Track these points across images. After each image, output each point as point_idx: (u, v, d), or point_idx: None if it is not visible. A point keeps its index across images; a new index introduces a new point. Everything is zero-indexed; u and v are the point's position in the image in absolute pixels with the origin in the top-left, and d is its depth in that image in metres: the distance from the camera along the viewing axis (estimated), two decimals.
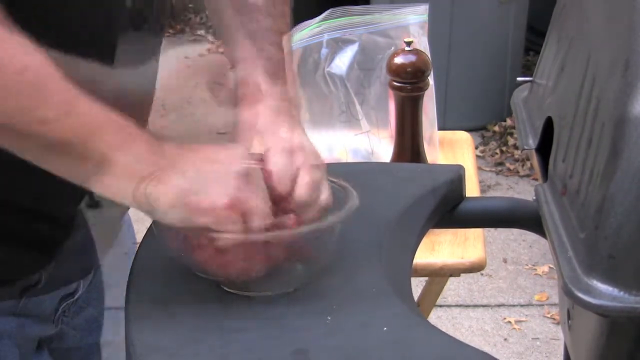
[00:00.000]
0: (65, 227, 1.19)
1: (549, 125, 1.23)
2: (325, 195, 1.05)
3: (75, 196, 1.20)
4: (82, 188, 1.02)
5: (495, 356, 0.93)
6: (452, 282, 3.08)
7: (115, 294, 1.25)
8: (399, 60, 1.73)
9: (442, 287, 2.11)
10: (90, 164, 0.97)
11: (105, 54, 1.10)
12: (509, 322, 2.99)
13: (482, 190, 3.62)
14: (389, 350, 0.94)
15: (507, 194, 3.69)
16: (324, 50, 1.88)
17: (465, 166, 1.35)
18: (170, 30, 5.51)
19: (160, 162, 0.99)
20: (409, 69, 1.72)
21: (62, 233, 1.18)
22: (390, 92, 1.78)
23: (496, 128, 4.13)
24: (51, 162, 0.99)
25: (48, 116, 0.95)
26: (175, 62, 4.85)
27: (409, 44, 1.75)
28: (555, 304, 3.05)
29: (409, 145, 1.74)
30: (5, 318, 1.16)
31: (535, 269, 3.25)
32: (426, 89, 1.74)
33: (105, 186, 0.99)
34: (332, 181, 1.12)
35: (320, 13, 1.89)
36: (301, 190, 1.03)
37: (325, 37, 1.88)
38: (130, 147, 0.98)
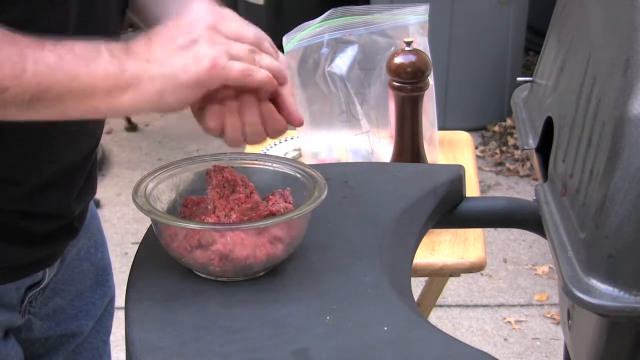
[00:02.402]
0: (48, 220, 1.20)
1: (549, 125, 1.23)
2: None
3: (67, 190, 1.20)
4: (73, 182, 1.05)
5: (495, 356, 0.93)
6: (452, 282, 3.08)
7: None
8: (399, 60, 1.73)
9: (442, 287, 2.11)
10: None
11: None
12: (509, 322, 2.99)
13: (482, 190, 3.62)
14: (389, 350, 0.94)
15: (507, 194, 3.69)
16: (324, 50, 1.88)
17: (465, 166, 1.35)
18: None
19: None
20: (409, 69, 1.72)
21: (42, 226, 1.19)
22: (390, 92, 1.78)
23: (496, 128, 4.14)
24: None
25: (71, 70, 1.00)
26: None
27: (409, 44, 1.75)
28: (555, 304, 3.05)
29: (409, 145, 1.74)
30: None
31: (535, 269, 3.25)
32: (426, 89, 1.74)
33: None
34: (302, 171, 1.12)
35: (321, 13, 1.89)
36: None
37: (326, 37, 1.88)
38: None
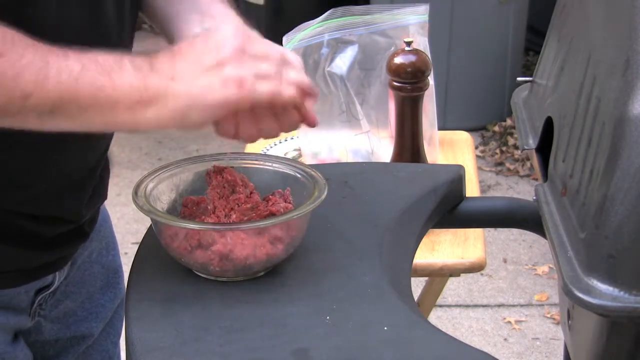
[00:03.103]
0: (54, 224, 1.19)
1: (549, 125, 1.23)
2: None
3: (78, 194, 1.20)
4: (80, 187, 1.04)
5: (495, 356, 0.93)
6: (452, 282, 3.08)
7: None
8: (399, 60, 1.73)
9: (442, 287, 2.11)
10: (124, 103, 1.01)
11: None
12: (509, 322, 2.99)
13: (482, 190, 3.62)
14: (389, 350, 0.94)
15: (507, 194, 3.69)
16: (325, 50, 1.88)
17: (465, 166, 1.35)
18: None
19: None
20: (409, 69, 1.72)
21: (49, 230, 1.19)
22: (390, 92, 1.78)
23: (496, 128, 4.14)
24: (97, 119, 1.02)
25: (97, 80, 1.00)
26: None
27: (409, 44, 1.75)
28: (555, 304, 3.05)
29: (409, 145, 1.74)
30: None
31: (535, 269, 3.25)
32: (426, 89, 1.74)
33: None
34: (302, 171, 1.12)
35: (321, 13, 1.89)
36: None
37: (326, 37, 1.88)
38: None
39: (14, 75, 0.97)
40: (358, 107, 1.89)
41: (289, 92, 1.05)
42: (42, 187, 1.16)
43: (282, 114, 1.08)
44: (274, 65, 1.04)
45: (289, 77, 1.05)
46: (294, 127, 1.10)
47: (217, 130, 1.08)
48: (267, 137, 1.10)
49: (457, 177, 1.29)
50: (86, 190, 1.22)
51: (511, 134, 4.06)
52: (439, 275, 1.87)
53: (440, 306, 3.05)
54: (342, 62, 1.89)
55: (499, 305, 3.09)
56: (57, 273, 1.25)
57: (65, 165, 1.17)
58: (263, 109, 1.07)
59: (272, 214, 1.07)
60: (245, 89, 1.02)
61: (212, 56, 1.02)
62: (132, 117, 1.01)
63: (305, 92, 1.07)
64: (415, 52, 1.74)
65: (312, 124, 1.10)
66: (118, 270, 1.41)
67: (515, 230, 3.33)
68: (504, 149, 4.01)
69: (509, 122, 4.12)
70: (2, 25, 0.98)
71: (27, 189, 1.15)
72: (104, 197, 1.30)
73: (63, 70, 0.98)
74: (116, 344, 1.42)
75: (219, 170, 1.11)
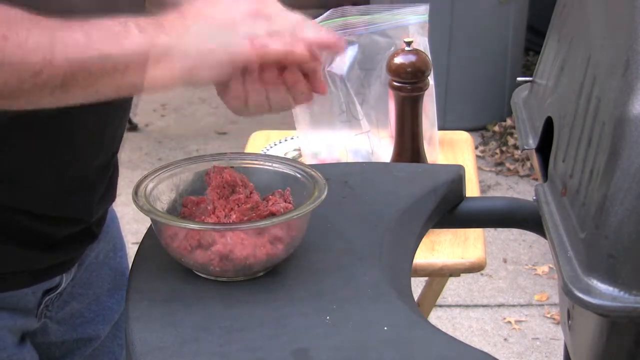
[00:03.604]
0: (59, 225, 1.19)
1: (549, 125, 1.23)
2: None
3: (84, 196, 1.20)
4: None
5: (495, 356, 0.93)
6: (452, 282, 3.08)
7: None
8: (399, 60, 1.73)
9: (442, 287, 2.11)
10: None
11: None
12: (509, 322, 2.99)
13: (482, 190, 3.62)
14: (389, 349, 0.94)
15: (507, 194, 3.69)
16: None
17: (465, 166, 1.35)
18: None
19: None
20: (409, 69, 1.72)
21: (56, 231, 1.19)
22: (390, 92, 1.78)
23: (496, 128, 4.14)
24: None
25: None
26: None
27: (409, 44, 1.75)
28: (555, 304, 3.05)
29: (409, 145, 1.74)
30: None
31: (535, 269, 3.25)
32: (426, 89, 1.74)
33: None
34: (302, 171, 1.12)
35: (321, 13, 1.89)
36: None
37: None
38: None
39: (22, 56, 0.96)
40: (358, 107, 1.89)
41: (300, 49, 1.03)
42: (52, 187, 1.16)
43: (292, 81, 1.06)
44: (287, 24, 1.03)
45: (303, 35, 1.04)
46: (304, 96, 1.08)
47: (226, 98, 1.07)
48: (276, 108, 1.07)
49: (457, 177, 1.29)
50: (97, 191, 1.22)
51: (511, 134, 4.07)
52: (439, 275, 1.87)
53: (440, 306, 3.05)
54: (342, 62, 1.89)
55: (499, 305, 3.09)
56: (64, 274, 1.25)
57: (76, 165, 1.17)
58: (272, 76, 1.05)
59: (272, 214, 1.07)
60: (256, 45, 1.01)
61: (224, 14, 1.02)
62: (142, 78, 1.01)
63: (317, 57, 1.05)
64: (415, 52, 1.75)
65: (322, 91, 1.08)
66: (125, 272, 1.39)
67: (515, 230, 3.33)
68: (504, 149, 4.02)
69: (509, 122, 4.12)
70: (5, 5, 0.97)
71: (38, 188, 1.14)
72: (113, 197, 1.30)
73: (69, 44, 0.98)
74: (123, 347, 1.41)
75: (219, 172, 1.11)
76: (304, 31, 1.04)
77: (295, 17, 1.05)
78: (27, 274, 1.18)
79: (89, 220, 1.23)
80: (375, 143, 1.90)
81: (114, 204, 1.34)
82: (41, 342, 1.28)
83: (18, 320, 1.20)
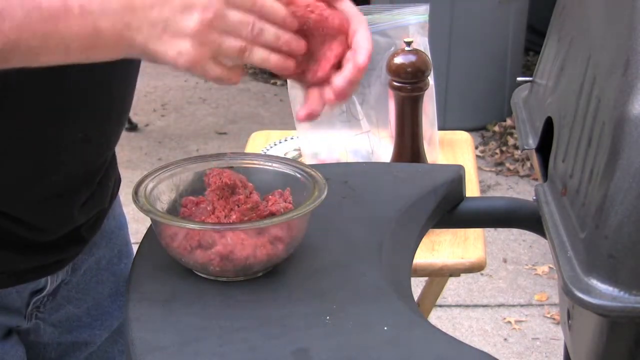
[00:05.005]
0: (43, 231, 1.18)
1: (549, 125, 1.23)
2: None
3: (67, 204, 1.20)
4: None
5: (495, 356, 0.93)
6: (452, 282, 3.09)
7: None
8: (399, 60, 1.73)
9: (442, 287, 2.12)
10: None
11: None
12: (509, 322, 2.99)
13: (482, 190, 3.62)
14: (389, 350, 0.94)
15: (507, 194, 3.69)
16: None
17: (465, 166, 1.35)
18: None
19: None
20: (409, 69, 1.72)
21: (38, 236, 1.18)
22: (390, 92, 1.78)
23: (496, 128, 4.14)
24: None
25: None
26: None
27: (409, 44, 1.75)
28: (555, 304, 3.05)
29: (409, 145, 1.74)
30: None
31: (535, 269, 3.26)
32: (426, 89, 1.74)
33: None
34: (302, 171, 1.12)
35: None
36: None
37: None
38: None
39: None
40: (358, 107, 1.90)
41: (258, 55, 0.99)
42: (36, 192, 1.15)
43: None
44: (246, 29, 0.97)
45: (263, 39, 0.99)
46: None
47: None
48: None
49: (457, 177, 1.29)
50: (81, 196, 1.21)
51: (511, 134, 4.07)
52: (439, 275, 1.87)
53: (440, 306, 3.05)
54: None
55: (499, 305, 3.09)
56: (49, 277, 1.23)
57: (63, 169, 1.16)
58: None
59: (272, 214, 1.07)
60: (196, 69, 0.97)
61: (176, 20, 0.95)
62: (87, 58, 0.97)
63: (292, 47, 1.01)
64: (415, 52, 1.75)
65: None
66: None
67: (515, 230, 3.33)
68: (504, 149, 4.02)
69: (509, 122, 4.12)
70: None
71: (22, 193, 1.13)
72: (104, 204, 1.28)
73: (6, 18, 0.92)
74: (123, 352, 1.40)
75: (218, 173, 1.11)
76: (265, 34, 0.99)
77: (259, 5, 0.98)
78: (7, 275, 1.17)
79: (70, 225, 1.21)
80: (375, 143, 1.90)
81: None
82: (35, 342, 1.28)
83: (1, 317, 1.19)
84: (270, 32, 0.99)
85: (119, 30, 0.95)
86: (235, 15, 0.97)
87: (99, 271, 1.33)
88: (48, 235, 1.19)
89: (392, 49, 1.87)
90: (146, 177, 1.12)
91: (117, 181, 1.32)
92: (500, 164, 3.93)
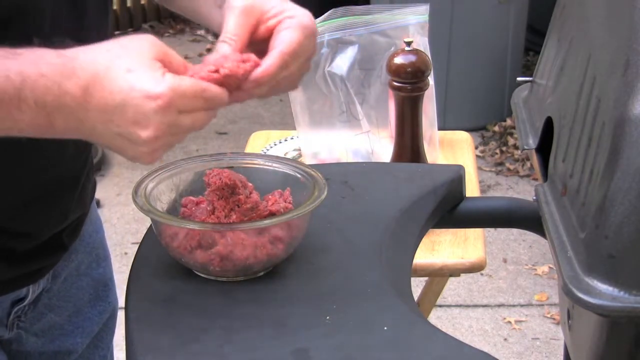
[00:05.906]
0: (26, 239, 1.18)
1: (549, 125, 1.23)
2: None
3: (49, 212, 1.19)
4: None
5: (495, 356, 0.93)
6: (452, 282, 3.08)
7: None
8: (399, 60, 1.73)
9: (442, 287, 2.11)
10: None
11: None
12: (509, 322, 2.99)
13: (482, 190, 3.62)
14: (389, 350, 0.94)
15: (507, 194, 3.69)
16: (325, 50, 1.88)
17: (465, 166, 1.35)
18: (170, 30, 5.51)
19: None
20: (409, 69, 1.72)
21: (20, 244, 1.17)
22: (390, 92, 1.78)
23: (496, 128, 4.14)
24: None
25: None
26: None
27: (409, 44, 1.75)
28: (555, 304, 3.05)
29: (409, 145, 1.74)
30: None
31: (535, 269, 3.25)
32: (426, 89, 1.74)
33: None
34: (302, 171, 1.12)
35: (321, 14, 1.89)
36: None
37: (326, 37, 1.88)
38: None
39: None
40: (358, 107, 1.90)
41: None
42: (12, 200, 1.14)
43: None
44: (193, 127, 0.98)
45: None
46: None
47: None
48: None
49: (457, 177, 1.29)
50: (60, 203, 1.20)
51: (511, 134, 4.07)
52: (439, 275, 1.87)
53: (440, 306, 3.05)
54: (342, 62, 1.89)
55: (499, 305, 3.09)
56: (30, 286, 1.22)
57: (38, 177, 1.15)
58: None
59: (272, 214, 1.07)
60: (152, 161, 0.99)
61: (129, 131, 0.94)
62: (43, 136, 0.97)
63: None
64: (415, 52, 1.75)
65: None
66: (108, 283, 1.37)
67: (515, 230, 3.33)
68: (504, 149, 4.02)
69: (509, 122, 4.12)
70: None
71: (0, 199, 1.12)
72: (85, 208, 1.27)
73: None
74: (105, 357, 1.40)
75: (217, 174, 1.11)
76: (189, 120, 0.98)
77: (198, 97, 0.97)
78: None
79: (49, 233, 1.20)
80: (375, 143, 1.90)
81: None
82: (18, 351, 1.27)
83: None
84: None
85: (73, 126, 0.95)
86: (186, 119, 0.97)
87: (78, 277, 1.32)
88: (32, 241, 1.17)
89: (392, 49, 1.87)
90: (146, 177, 1.12)
91: (94, 184, 1.32)
92: (500, 164, 3.93)
